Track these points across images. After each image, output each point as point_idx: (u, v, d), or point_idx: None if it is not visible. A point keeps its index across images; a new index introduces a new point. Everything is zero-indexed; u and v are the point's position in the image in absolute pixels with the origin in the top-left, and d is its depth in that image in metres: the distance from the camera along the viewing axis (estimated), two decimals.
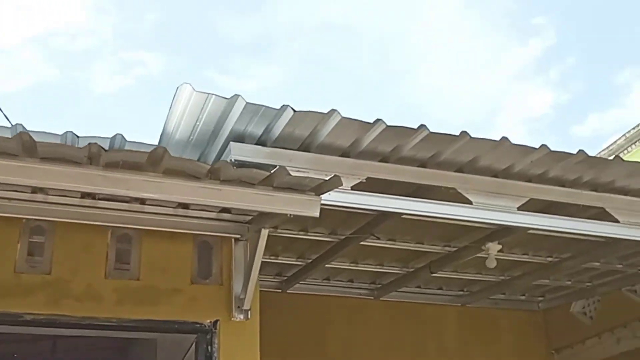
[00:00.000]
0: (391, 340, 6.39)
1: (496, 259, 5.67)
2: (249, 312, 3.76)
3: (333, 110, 3.45)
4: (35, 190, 3.45)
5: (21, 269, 3.48)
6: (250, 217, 3.80)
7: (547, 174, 4.12)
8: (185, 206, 3.72)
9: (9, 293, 3.39)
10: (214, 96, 3.28)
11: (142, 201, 3.63)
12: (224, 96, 3.29)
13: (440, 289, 6.63)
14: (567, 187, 4.31)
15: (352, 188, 3.76)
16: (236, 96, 3.28)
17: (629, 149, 5.46)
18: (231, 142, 3.55)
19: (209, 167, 2.86)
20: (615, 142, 5.63)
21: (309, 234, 5.02)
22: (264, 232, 3.51)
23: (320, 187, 3.11)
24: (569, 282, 6.39)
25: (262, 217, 3.53)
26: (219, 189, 2.95)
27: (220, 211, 3.81)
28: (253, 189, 3.07)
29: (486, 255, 4.95)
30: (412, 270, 5.90)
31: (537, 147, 3.80)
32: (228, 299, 3.77)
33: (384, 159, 3.88)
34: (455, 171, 3.99)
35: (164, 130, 3.63)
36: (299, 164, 3.66)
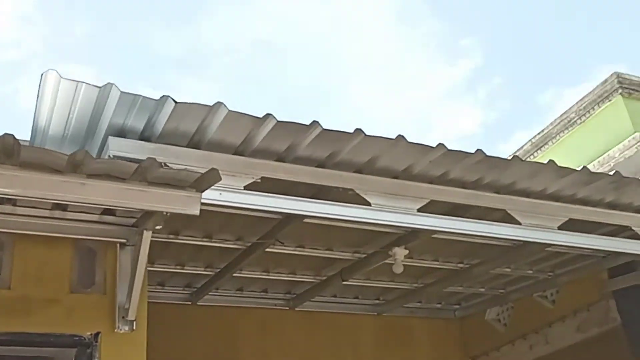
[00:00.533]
0: (307, 351, 6.12)
1: (409, 265, 5.51)
2: (134, 323, 3.41)
3: (219, 103, 3.19)
4: None
5: None
6: (136, 220, 3.48)
7: (447, 175, 3.98)
8: (62, 208, 3.38)
9: None
10: (84, 84, 2.96)
11: (14, 202, 3.27)
12: (95, 84, 2.98)
13: (356, 297, 6.44)
14: (469, 188, 4.18)
15: (246, 188, 3.50)
16: (110, 85, 2.98)
17: (535, 154, 5.45)
18: (109, 137, 3.24)
19: (67, 157, 2.54)
20: (522, 147, 5.61)
21: (214, 240, 4.73)
22: (147, 235, 3.19)
23: (200, 182, 2.84)
24: (483, 289, 6.31)
25: (144, 218, 3.22)
26: (82, 183, 2.64)
27: (102, 213, 3.48)
28: (124, 184, 2.77)
29: (393, 261, 4.77)
30: (324, 278, 5.68)
31: (434, 145, 3.66)
32: (111, 310, 3.43)
33: (280, 158, 3.65)
34: (354, 172, 3.80)
35: (35, 125, 3.27)
36: (186, 162, 3.37)
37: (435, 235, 4.56)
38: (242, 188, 3.48)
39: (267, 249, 4.74)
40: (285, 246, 4.94)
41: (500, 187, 4.23)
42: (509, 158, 3.99)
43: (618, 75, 4.96)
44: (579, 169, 4.14)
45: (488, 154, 3.83)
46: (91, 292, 3.47)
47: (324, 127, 3.39)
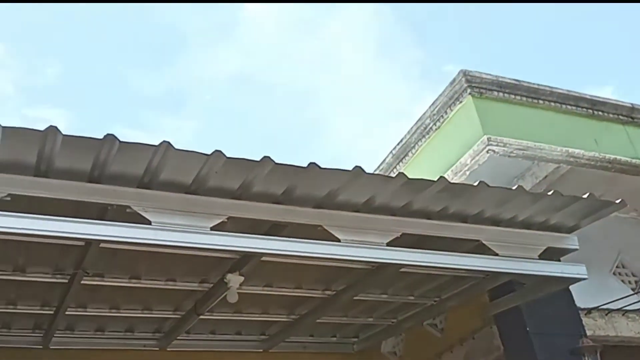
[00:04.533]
0: None
1: (271, 295, 5.07)
2: None
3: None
4: None
5: None
6: None
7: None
8: None
9: None
10: None
11: None
12: None
13: (239, 333, 5.90)
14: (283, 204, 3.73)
15: None
16: None
17: (398, 166, 4.97)
18: None
19: None
20: (385, 160, 5.13)
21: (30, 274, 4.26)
22: None
23: None
24: (371, 319, 5.77)
25: None
26: None
27: None
28: None
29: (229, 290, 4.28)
30: (183, 313, 5.17)
31: None
32: None
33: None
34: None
35: None
36: None
37: (265, 259, 4.10)
38: None
39: (89, 282, 4.29)
40: (120, 279, 4.50)
41: (319, 200, 3.77)
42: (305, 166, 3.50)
43: (465, 73, 4.47)
44: (396, 177, 3.65)
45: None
46: None
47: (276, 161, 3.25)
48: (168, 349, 5.65)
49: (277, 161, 3.39)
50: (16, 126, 2.92)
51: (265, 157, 3.35)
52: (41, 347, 5.27)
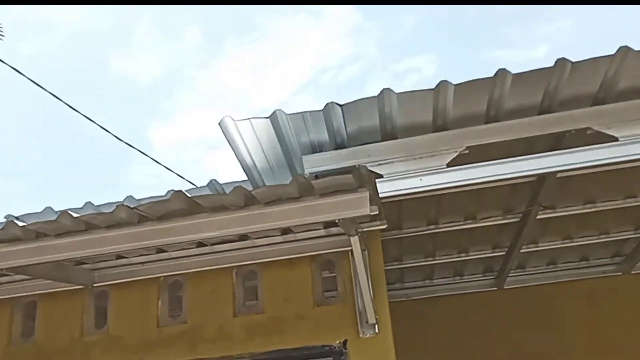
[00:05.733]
0: None
1: None
2: (376, 326, 3.60)
3: (385, 90, 3.17)
4: (159, 250, 3.96)
5: (163, 323, 3.97)
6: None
7: None
8: (289, 231, 3.81)
9: (153, 347, 3.90)
10: (255, 119, 3.32)
11: (244, 237, 3.83)
12: (262, 116, 3.32)
13: None
14: None
15: (449, 165, 3.37)
16: (276, 112, 3.28)
17: None
18: (303, 157, 3.53)
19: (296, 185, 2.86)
20: None
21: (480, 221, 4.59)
22: (354, 240, 3.37)
23: (362, 180, 2.89)
24: None
25: (345, 225, 3.36)
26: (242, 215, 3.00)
27: (325, 227, 3.80)
28: (293, 203, 3.00)
29: None
30: None
31: None
32: (353, 316, 3.69)
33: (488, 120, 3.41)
34: None
35: (243, 165, 3.68)
36: (379, 157, 3.45)
37: None
38: (445, 166, 3.36)
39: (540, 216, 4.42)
40: (573, 206, 4.55)
41: None
42: None
43: None
44: None
45: None
46: (334, 303, 3.77)
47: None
48: (632, 273, 5.50)
49: None
50: (465, 80, 3.12)
51: None
52: (495, 288, 5.71)
